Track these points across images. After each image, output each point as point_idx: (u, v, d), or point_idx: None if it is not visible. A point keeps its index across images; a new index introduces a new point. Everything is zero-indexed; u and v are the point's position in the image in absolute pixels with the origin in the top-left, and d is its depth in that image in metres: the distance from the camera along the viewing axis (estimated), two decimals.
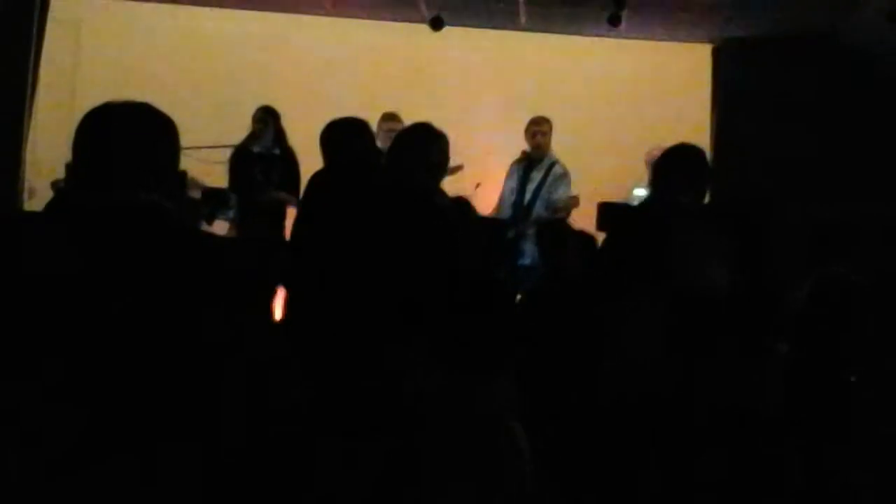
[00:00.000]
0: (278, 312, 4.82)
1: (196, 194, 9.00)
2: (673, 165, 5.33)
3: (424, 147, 5.29)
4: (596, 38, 11.24)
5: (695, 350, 4.97)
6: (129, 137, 2.61)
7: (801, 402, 5.53)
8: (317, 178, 5.39)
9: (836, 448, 5.65)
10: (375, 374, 4.73)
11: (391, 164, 5.22)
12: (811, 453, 5.56)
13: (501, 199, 9.77)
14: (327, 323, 4.90)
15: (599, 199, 8.72)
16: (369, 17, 11.30)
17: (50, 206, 2.72)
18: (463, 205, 5.84)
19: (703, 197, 5.40)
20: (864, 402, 5.70)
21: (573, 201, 9.38)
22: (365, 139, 5.30)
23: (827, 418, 5.63)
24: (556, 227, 7.40)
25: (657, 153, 5.76)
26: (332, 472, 4.64)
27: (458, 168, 9.70)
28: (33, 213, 2.61)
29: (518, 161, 9.72)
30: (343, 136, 5.33)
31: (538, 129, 9.63)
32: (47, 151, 10.28)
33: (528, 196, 9.47)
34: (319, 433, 4.41)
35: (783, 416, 5.34)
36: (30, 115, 10.16)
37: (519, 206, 9.45)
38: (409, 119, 5.54)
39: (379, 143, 7.34)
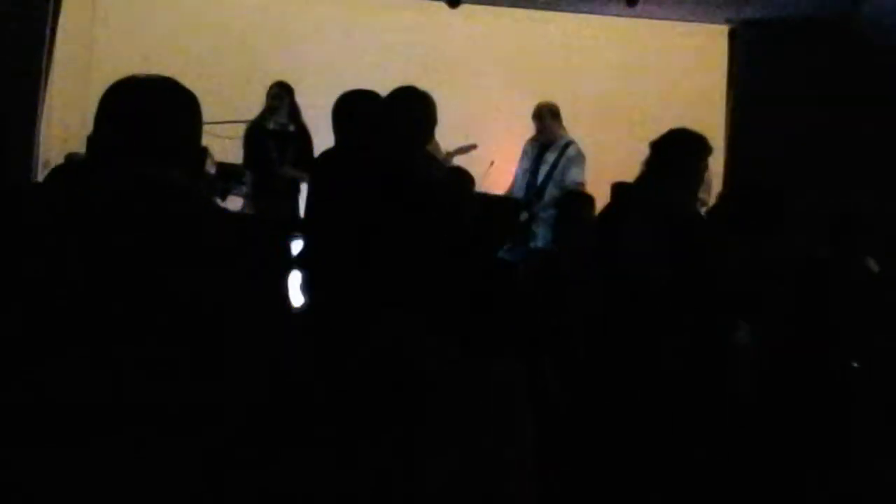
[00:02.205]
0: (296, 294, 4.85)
1: (211, 170, 9.03)
2: (658, 152, 5.34)
3: (411, 112, 5.24)
4: (613, 18, 11.20)
5: (630, 340, 4.98)
6: (154, 112, 2.60)
7: (781, 390, 5.50)
8: (323, 157, 5.39)
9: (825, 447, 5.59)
10: (377, 351, 4.74)
11: (378, 135, 5.17)
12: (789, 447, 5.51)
13: (515, 179, 9.76)
14: (332, 301, 4.92)
15: (614, 180, 8.72)
16: None
17: (56, 172, 2.71)
18: (460, 177, 5.80)
19: (691, 181, 5.35)
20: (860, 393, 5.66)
21: (580, 188, 9.35)
22: (375, 112, 5.27)
23: (812, 409, 5.58)
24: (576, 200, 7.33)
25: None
26: (334, 453, 4.66)
27: (472, 147, 9.73)
28: (48, 185, 2.61)
29: (533, 140, 9.69)
30: (353, 109, 5.31)
31: (538, 122, 9.61)
32: (62, 124, 10.29)
33: (541, 177, 9.44)
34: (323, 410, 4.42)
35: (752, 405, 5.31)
36: (45, 89, 10.16)
37: (532, 188, 9.43)
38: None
39: None
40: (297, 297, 4.93)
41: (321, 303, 4.99)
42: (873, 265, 6.02)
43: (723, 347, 5.09)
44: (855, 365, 5.67)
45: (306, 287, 5.15)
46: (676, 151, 5.28)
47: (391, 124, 5.14)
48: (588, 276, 5.52)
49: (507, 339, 5.09)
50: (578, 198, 8.03)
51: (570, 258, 6.15)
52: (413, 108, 5.26)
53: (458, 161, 9.60)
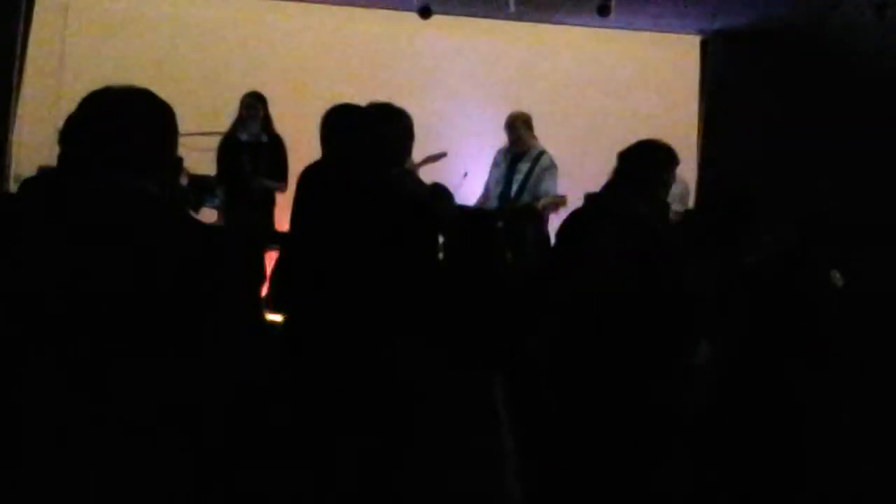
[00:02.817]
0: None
1: (183, 182, 9.00)
2: (624, 163, 5.36)
3: (386, 129, 5.25)
4: (585, 29, 11.23)
5: (597, 347, 4.99)
6: (128, 122, 2.60)
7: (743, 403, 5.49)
8: (305, 171, 5.38)
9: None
10: (365, 366, 4.75)
11: (358, 152, 5.17)
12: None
13: (487, 188, 9.74)
14: (318, 319, 4.92)
15: (587, 190, 8.74)
16: (358, 5, 11.29)
17: (27, 184, 2.69)
18: (440, 191, 5.80)
19: (657, 191, 5.35)
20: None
21: (560, 200, 9.35)
22: (363, 128, 5.27)
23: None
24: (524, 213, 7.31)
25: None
26: (322, 463, 4.66)
27: (442, 155, 9.70)
28: (20, 195, 2.59)
29: (505, 150, 9.68)
30: (338, 124, 5.31)
31: (509, 132, 9.59)
32: (33, 137, 10.25)
33: (514, 188, 9.43)
34: (310, 426, 4.42)
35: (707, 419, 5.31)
36: (16, 101, 10.13)
37: (506, 198, 9.41)
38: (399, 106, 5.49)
39: None
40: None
41: (306, 317, 4.99)
42: (837, 278, 6.01)
43: (684, 365, 5.09)
44: (813, 377, 5.66)
45: (279, 300, 5.14)
46: (642, 162, 5.29)
47: (370, 142, 5.14)
48: (545, 289, 5.52)
49: (486, 350, 5.09)
50: (523, 213, 8.01)
51: (522, 272, 6.13)
52: (390, 125, 5.26)
53: (429, 170, 9.60)
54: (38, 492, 2.37)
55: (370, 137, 5.14)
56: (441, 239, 5.41)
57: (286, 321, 5.16)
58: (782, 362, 5.48)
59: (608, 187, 5.47)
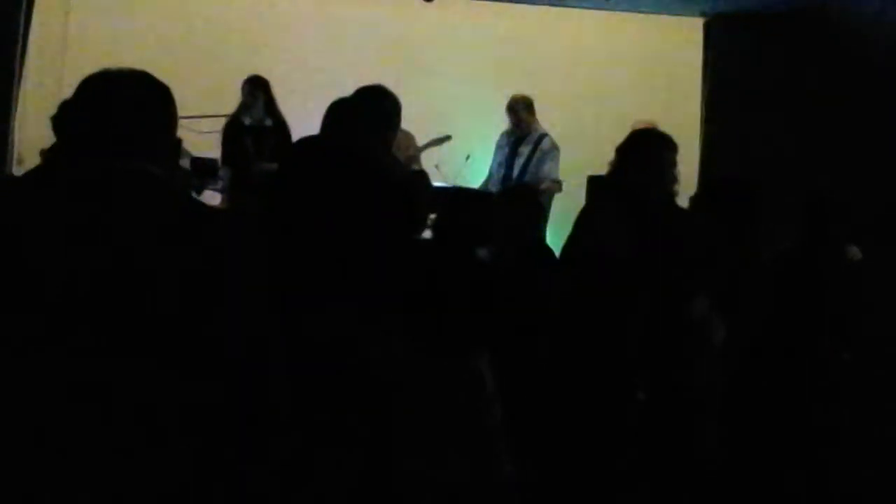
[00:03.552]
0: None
1: (185, 164, 9.00)
2: (623, 151, 5.36)
3: (374, 111, 5.26)
4: (589, 11, 11.22)
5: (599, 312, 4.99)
6: (126, 104, 2.60)
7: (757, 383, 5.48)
8: (291, 147, 5.41)
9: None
10: (341, 352, 4.74)
11: (343, 131, 5.18)
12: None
13: (490, 172, 9.77)
14: (294, 301, 4.92)
15: (590, 173, 8.74)
16: None
17: (36, 170, 2.71)
18: (419, 177, 5.81)
19: (660, 172, 5.33)
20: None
21: (556, 186, 9.37)
22: (346, 109, 5.27)
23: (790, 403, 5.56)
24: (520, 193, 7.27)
25: (641, 127, 5.76)
26: (303, 456, 4.66)
27: (446, 138, 9.73)
28: (22, 177, 2.59)
29: (507, 132, 9.70)
30: (334, 110, 5.32)
31: (511, 115, 9.62)
32: (37, 121, 10.24)
33: (516, 171, 9.45)
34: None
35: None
36: (19, 85, 10.11)
37: (507, 182, 9.41)
38: (399, 90, 5.50)
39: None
40: None
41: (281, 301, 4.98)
42: (855, 252, 5.98)
43: (680, 323, 5.07)
44: (846, 357, 5.65)
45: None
46: (641, 147, 5.29)
47: (351, 122, 5.15)
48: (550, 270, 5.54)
49: (475, 337, 5.10)
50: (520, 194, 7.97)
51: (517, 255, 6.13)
52: (373, 105, 5.27)
53: (432, 153, 9.61)
54: (38, 491, 2.38)
55: (352, 117, 5.15)
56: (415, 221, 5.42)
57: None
58: (813, 342, 5.49)
59: (612, 170, 5.48)
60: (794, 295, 5.56)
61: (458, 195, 6.25)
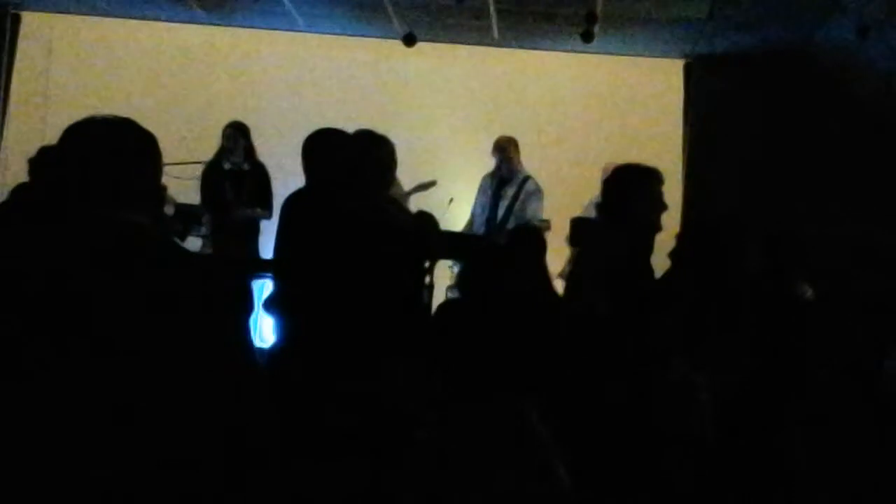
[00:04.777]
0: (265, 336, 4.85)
1: (169, 211, 9.00)
2: (607, 187, 5.35)
3: (368, 155, 5.25)
4: (569, 54, 11.26)
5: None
6: (111, 153, 2.59)
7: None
8: (289, 199, 5.39)
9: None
10: (352, 393, 4.74)
11: (336, 178, 5.17)
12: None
13: (473, 214, 9.74)
14: (304, 347, 4.92)
15: (572, 215, 8.74)
16: (342, 33, 11.31)
17: (10, 210, 2.69)
18: (426, 219, 5.80)
19: (645, 214, 5.31)
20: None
21: (545, 225, 9.36)
22: (345, 153, 5.26)
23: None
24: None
25: (611, 168, 5.75)
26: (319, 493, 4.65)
27: (432, 184, 9.74)
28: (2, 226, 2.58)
29: (490, 175, 9.69)
30: (319, 149, 5.31)
31: (500, 154, 9.59)
32: (19, 168, 10.23)
33: (500, 213, 9.44)
34: (302, 456, 4.41)
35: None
36: (1, 135, 10.12)
37: (492, 224, 9.42)
38: (383, 134, 5.50)
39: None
40: (266, 337, 4.94)
41: (292, 346, 4.99)
42: (806, 290, 5.97)
43: (660, 383, 5.06)
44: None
45: (278, 329, 5.17)
46: (615, 186, 5.27)
47: (352, 169, 5.14)
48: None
49: (518, 381, 5.09)
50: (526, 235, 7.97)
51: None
52: (373, 153, 5.26)
53: (414, 197, 9.61)
54: (33, 489, 2.37)
55: (353, 164, 5.14)
56: (427, 265, 5.42)
57: (273, 348, 5.15)
58: (789, 380, 5.47)
59: (598, 218, 5.48)
60: (766, 333, 5.55)
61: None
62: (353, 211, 5.06)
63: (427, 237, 5.40)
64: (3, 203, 4.57)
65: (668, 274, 5.39)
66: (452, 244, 8.99)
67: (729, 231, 5.49)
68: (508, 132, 9.77)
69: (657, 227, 5.27)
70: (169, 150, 2.96)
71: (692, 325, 5.10)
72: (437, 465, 4.92)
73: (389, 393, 4.83)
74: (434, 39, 10.88)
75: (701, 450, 5.12)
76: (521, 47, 11.35)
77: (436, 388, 4.91)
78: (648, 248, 5.22)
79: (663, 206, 5.27)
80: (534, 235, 6.77)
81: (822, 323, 5.84)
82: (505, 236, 8.42)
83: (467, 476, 4.86)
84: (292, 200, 5.33)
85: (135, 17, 11.34)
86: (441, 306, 5.41)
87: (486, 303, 5.24)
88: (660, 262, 5.31)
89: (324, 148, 5.25)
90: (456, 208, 9.95)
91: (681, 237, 5.75)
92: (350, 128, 5.42)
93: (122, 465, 2.39)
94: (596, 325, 4.96)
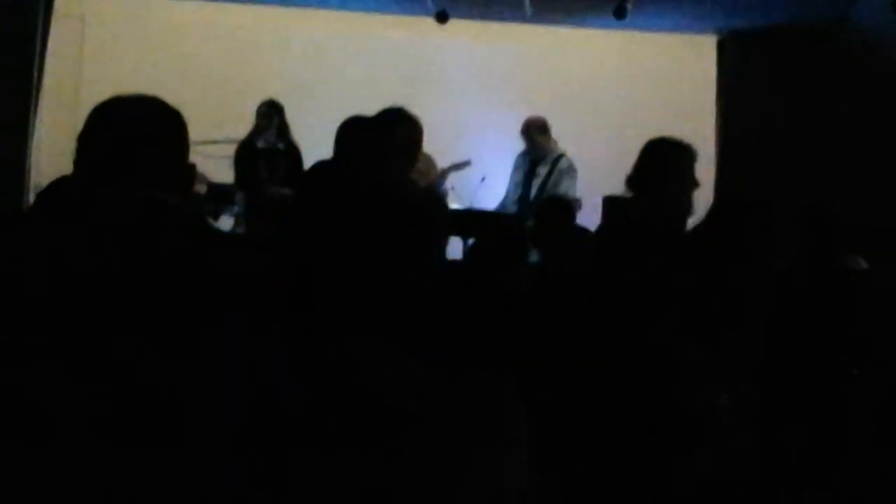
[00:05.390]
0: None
1: (202, 189, 9.02)
2: (638, 168, 5.29)
3: (392, 135, 5.23)
4: (601, 31, 11.22)
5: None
6: (139, 132, 2.59)
7: None
8: (307, 174, 5.40)
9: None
10: (356, 376, 4.74)
11: (359, 156, 5.17)
12: None
13: (508, 193, 9.75)
14: (312, 321, 4.92)
15: (605, 193, 8.72)
16: (374, 10, 11.30)
17: (44, 195, 2.69)
18: (436, 200, 5.80)
19: (676, 192, 5.25)
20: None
21: (576, 204, 9.33)
22: (365, 132, 5.25)
23: None
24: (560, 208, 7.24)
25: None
26: (319, 480, 4.65)
27: (466, 164, 9.74)
28: (34, 204, 2.58)
29: (525, 153, 9.68)
30: (349, 134, 5.31)
31: (526, 138, 9.58)
32: (52, 148, 10.29)
33: (533, 191, 9.43)
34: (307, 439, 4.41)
35: None
36: (35, 112, 10.16)
37: (525, 202, 9.41)
38: (412, 111, 5.49)
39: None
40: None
41: (297, 324, 4.99)
42: (859, 262, 5.87)
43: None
44: (855, 373, 5.56)
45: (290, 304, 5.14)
46: (654, 165, 5.22)
47: (369, 145, 5.14)
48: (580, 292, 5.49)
49: (500, 357, 5.07)
50: (558, 205, 7.96)
51: (557, 267, 6.11)
52: (396, 131, 5.25)
53: (451, 177, 9.60)
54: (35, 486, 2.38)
55: (370, 145, 5.14)
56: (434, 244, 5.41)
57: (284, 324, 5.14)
58: (820, 360, 5.40)
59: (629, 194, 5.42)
60: (797, 314, 5.47)
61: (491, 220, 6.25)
62: (361, 186, 5.06)
63: (433, 219, 5.39)
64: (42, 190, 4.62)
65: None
66: (480, 222, 9.02)
67: (754, 221, 5.40)
68: (541, 110, 9.74)
69: (690, 205, 5.23)
70: (202, 128, 2.97)
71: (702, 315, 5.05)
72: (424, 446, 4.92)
73: (391, 379, 4.83)
74: (467, 16, 10.85)
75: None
76: (553, 24, 11.32)
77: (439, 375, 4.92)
78: (680, 226, 5.18)
79: (696, 184, 5.22)
80: (561, 208, 6.76)
81: (878, 293, 5.76)
82: (535, 209, 8.42)
83: (445, 457, 4.85)
84: (310, 173, 5.35)
85: None
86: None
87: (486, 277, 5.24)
88: None
89: (351, 132, 5.24)
90: (487, 187, 9.94)
91: (710, 218, 5.71)
92: (383, 107, 5.42)
93: (140, 449, 2.40)
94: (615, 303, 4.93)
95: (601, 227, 5.85)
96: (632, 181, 5.31)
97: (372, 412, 4.73)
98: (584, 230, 6.99)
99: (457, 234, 8.29)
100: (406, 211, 5.08)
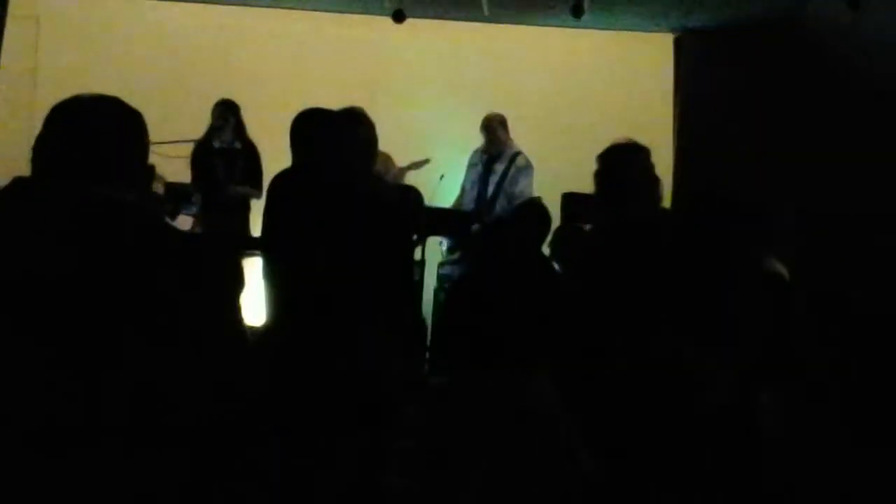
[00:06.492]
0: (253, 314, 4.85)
1: (159, 189, 8.99)
2: (601, 176, 5.28)
3: (353, 133, 5.26)
4: (559, 29, 11.24)
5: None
6: (98, 131, 2.59)
7: None
8: (276, 178, 5.40)
9: None
10: (340, 367, 4.77)
11: (323, 156, 5.18)
12: None
13: (463, 190, 9.76)
14: (293, 319, 4.94)
15: (562, 190, 8.75)
16: (332, 10, 11.27)
17: (1, 195, 2.68)
18: (411, 193, 5.83)
19: (643, 191, 5.26)
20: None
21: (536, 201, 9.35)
22: (331, 133, 5.27)
23: None
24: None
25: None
26: (308, 466, 4.67)
27: (425, 162, 9.75)
28: None
29: (481, 150, 9.69)
30: (306, 129, 5.31)
31: (487, 133, 9.60)
32: (8, 147, 10.19)
33: (490, 189, 9.45)
34: (289, 429, 4.42)
35: None
36: None
37: (482, 199, 9.43)
38: (370, 110, 5.51)
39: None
40: (255, 315, 4.94)
41: (280, 322, 5.01)
42: (775, 266, 5.67)
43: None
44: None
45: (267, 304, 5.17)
46: (614, 170, 5.22)
47: (338, 146, 5.15)
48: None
49: (527, 352, 5.09)
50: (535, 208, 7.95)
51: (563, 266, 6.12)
52: (357, 129, 5.27)
53: (410, 176, 9.61)
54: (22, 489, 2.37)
55: (338, 142, 5.16)
56: (415, 239, 5.44)
57: (264, 326, 5.16)
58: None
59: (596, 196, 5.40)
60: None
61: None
62: (338, 184, 5.08)
63: (412, 211, 5.42)
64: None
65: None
66: (442, 220, 9.03)
67: (722, 204, 5.38)
68: (499, 108, 9.76)
69: (654, 201, 5.25)
70: (159, 128, 2.96)
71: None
72: (433, 441, 4.95)
73: (372, 367, 4.85)
74: (424, 16, 10.84)
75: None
76: (510, 23, 11.33)
77: (417, 365, 4.94)
78: (648, 223, 5.18)
79: (656, 180, 5.24)
80: (540, 211, 6.77)
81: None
82: (512, 211, 8.41)
83: (467, 452, 4.88)
84: (278, 178, 5.35)
85: None
86: (454, 283, 5.41)
87: (493, 276, 5.26)
88: None
89: (309, 127, 5.24)
90: (447, 185, 9.95)
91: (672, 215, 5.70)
92: (340, 105, 5.42)
93: (111, 442, 2.39)
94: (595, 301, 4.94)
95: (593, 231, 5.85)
96: (601, 191, 5.29)
97: (351, 397, 4.77)
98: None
99: (415, 232, 8.30)
100: (387, 206, 5.13)
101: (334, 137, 5.17)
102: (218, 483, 2.56)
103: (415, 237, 5.46)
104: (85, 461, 2.38)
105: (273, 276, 5.17)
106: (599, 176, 5.28)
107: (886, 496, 5.67)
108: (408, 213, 5.33)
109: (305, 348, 4.81)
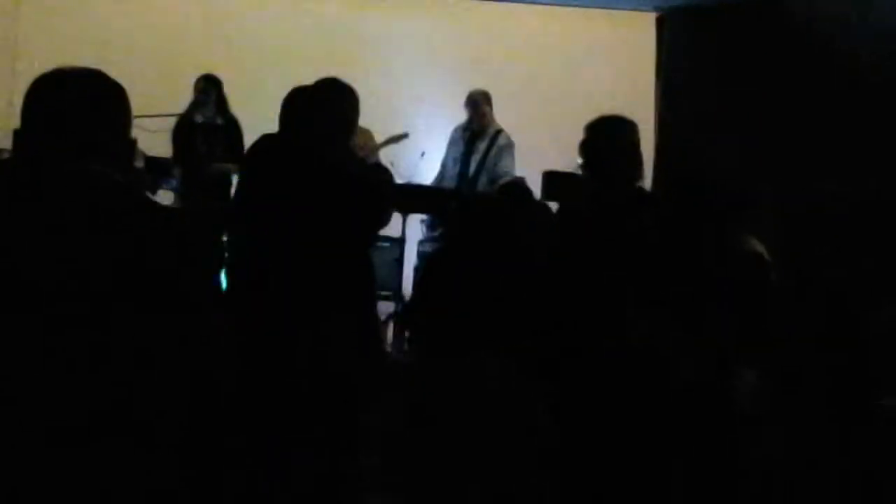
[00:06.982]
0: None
1: (139, 164, 8.95)
2: (585, 152, 5.26)
3: (335, 105, 5.22)
4: (540, 7, 11.23)
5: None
6: (80, 104, 2.58)
7: None
8: (251, 149, 5.39)
9: None
10: (302, 348, 4.76)
11: (302, 127, 5.15)
12: None
13: (444, 167, 9.75)
14: (257, 295, 4.92)
15: (543, 168, 8.75)
16: None
17: None
18: (380, 172, 5.81)
19: (627, 167, 5.24)
20: None
21: (518, 180, 9.34)
22: (307, 103, 5.24)
23: None
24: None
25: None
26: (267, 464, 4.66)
27: (404, 136, 9.72)
28: None
29: (462, 128, 9.68)
30: (293, 104, 5.28)
31: (471, 109, 9.60)
32: None
33: (472, 167, 9.44)
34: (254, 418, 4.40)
35: None
36: None
37: (464, 178, 9.42)
38: (353, 86, 5.48)
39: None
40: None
41: (245, 299, 4.98)
42: (755, 245, 5.55)
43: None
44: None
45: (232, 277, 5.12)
46: (604, 147, 5.20)
47: (311, 118, 5.13)
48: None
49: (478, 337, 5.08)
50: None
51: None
52: (334, 101, 5.23)
53: (390, 150, 9.59)
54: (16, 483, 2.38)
55: (310, 111, 5.13)
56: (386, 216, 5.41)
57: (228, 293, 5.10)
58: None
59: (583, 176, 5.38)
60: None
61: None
62: (302, 152, 5.06)
63: (379, 187, 5.38)
64: None
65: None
66: (422, 198, 9.03)
67: (702, 187, 5.38)
68: (481, 85, 9.76)
69: (638, 179, 5.25)
70: (140, 102, 2.95)
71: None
72: (411, 424, 4.95)
73: (332, 344, 4.83)
74: None
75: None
76: (494, 0, 11.32)
77: (375, 345, 4.93)
78: (631, 200, 5.18)
79: (640, 160, 5.25)
80: (524, 191, 6.76)
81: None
82: (497, 191, 8.40)
83: (443, 436, 4.88)
84: (255, 146, 5.34)
85: None
86: (429, 259, 5.39)
87: (465, 255, 5.25)
88: None
89: (290, 99, 5.23)
90: (428, 162, 9.95)
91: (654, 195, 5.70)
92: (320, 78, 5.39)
93: (88, 420, 2.39)
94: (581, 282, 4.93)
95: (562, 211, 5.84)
96: (587, 162, 5.28)
97: (312, 383, 4.76)
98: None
99: (398, 209, 8.29)
100: (350, 181, 5.10)
101: (308, 106, 5.14)
102: (205, 475, 2.56)
103: (382, 216, 5.40)
104: (84, 457, 2.38)
105: (234, 244, 5.14)
106: (586, 145, 5.28)
107: (862, 473, 5.72)
108: (371, 188, 5.29)
109: (262, 321, 4.77)
